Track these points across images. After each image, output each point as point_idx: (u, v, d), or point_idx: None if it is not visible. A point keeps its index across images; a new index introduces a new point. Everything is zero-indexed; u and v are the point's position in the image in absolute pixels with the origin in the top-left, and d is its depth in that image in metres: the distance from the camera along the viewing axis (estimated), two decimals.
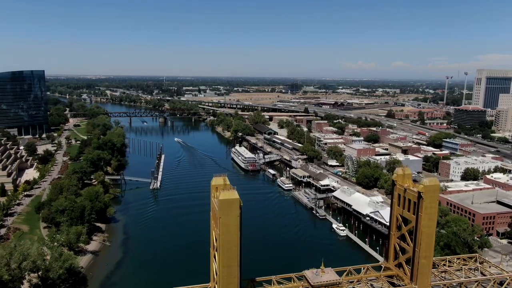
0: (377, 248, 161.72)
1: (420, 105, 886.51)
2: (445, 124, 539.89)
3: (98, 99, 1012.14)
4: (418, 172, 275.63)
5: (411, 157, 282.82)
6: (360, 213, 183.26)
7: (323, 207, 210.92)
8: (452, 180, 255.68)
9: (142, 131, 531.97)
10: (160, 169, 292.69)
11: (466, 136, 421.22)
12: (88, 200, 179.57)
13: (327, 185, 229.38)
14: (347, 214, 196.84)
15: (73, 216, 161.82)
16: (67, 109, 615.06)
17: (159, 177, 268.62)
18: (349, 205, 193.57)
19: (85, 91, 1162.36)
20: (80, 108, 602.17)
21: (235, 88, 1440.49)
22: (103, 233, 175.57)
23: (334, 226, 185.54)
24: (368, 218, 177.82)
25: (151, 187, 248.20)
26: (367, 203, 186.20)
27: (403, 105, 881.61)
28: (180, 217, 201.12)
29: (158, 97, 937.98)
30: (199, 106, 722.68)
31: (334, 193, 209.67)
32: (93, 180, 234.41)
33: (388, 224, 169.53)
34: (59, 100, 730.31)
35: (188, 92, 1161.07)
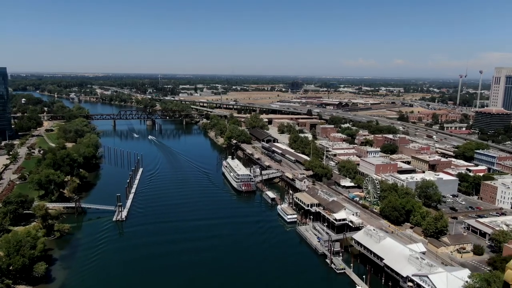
0: None
1: (429, 105, 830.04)
2: (464, 129, 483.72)
3: (88, 98, 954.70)
4: (454, 196, 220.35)
5: (444, 176, 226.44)
6: (398, 274, 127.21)
7: (341, 254, 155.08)
8: (501, 209, 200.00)
9: (129, 136, 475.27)
10: (133, 190, 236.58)
11: (494, 144, 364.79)
12: (6, 255, 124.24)
13: (344, 220, 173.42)
14: (374, 267, 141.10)
15: None
16: (46, 109, 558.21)
17: (129, 202, 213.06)
18: (379, 258, 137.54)
19: (74, 89, 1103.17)
20: (59, 109, 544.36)
21: (234, 87, 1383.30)
22: None
23: None
24: (410, 284, 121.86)
25: (114, 219, 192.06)
26: (407, 258, 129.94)
27: (411, 105, 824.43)
28: (147, 271, 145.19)
29: (150, 97, 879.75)
30: (192, 107, 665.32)
31: (356, 236, 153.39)
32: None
33: None
34: (40, 100, 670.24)
35: (183, 91, 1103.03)
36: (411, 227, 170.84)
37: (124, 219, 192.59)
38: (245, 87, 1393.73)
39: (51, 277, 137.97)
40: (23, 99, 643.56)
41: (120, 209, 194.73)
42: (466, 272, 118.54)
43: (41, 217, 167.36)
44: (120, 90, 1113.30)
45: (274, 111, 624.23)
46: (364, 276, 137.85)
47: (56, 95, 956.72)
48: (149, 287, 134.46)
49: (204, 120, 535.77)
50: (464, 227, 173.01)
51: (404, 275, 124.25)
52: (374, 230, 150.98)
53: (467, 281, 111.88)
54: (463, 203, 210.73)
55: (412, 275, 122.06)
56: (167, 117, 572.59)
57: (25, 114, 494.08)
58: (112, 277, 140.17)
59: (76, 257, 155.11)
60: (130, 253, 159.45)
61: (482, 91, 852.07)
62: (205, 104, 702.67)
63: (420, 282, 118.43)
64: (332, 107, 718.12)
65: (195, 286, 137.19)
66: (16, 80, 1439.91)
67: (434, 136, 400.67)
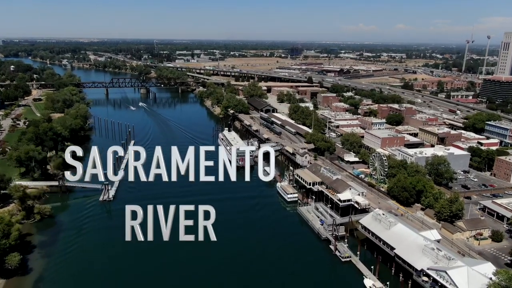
0: None
1: (433, 72, 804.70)
2: (471, 97, 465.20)
3: (81, 65, 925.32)
4: (465, 172, 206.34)
5: (455, 151, 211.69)
6: (411, 266, 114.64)
7: (346, 239, 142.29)
8: None
9: (122, 105, 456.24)
10: (122, 166, 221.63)
11: (504, 115, 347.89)
12: None
13: (349, 200, 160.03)
14: (383, 256, 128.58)
15: None
16: (35, 77, 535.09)
17: (117, 180, 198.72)
18: (390, 246, 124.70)
19: (67, 55, 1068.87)
20: (49, 77, 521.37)
21: (232, 53, 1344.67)
22: None
23: (367, 283, 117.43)
24: (426, 278, 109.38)
25: (101, 199, 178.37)
26: (421, 247, 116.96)
27: (414, 72, 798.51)
28: (135, 254, 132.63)
29: (145, 63, 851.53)
30: (188, 74, 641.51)
31: (363, 221, 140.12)
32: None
33: None
34: (30, 67, 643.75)
35: (180, 57, 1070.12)
36: (422, 209, 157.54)
37: (112, 198, 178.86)
38: (243, 53, 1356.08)
39: (28, 267, 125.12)
40: (12, 66, 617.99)
41: (107, 188, 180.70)
42: (489, 267, 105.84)
43: (19, 199, 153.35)
44: (115, 56, 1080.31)
45: (273, 79, 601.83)
46: (372, 266, 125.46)
47: (48, 62, 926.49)
48: (137, 270, 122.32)
49: (201, 88, 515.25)
50: (479, 209, 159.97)
51: (419, 268, 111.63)
52: (383, 214, 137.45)
53: (491, 278, 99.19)
54: (475, 180, 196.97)
55: (428, 269, 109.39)
56: (162, 85, 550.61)
57: (13, 82, 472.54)
58: (95, 263, 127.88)
59: (56, 243, 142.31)
60: (115, 236, 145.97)
61: (487, 57, 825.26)
62: (201, 71, 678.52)
63: (437, 277, 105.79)
64: (333, 74, 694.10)
65: (184, 268, 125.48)
66: (8, 45, 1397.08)
67: (458, 111, 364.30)
